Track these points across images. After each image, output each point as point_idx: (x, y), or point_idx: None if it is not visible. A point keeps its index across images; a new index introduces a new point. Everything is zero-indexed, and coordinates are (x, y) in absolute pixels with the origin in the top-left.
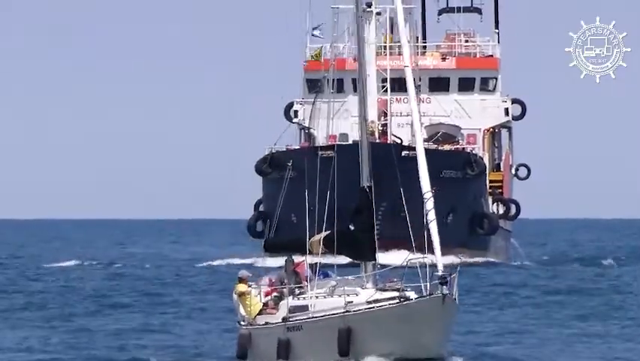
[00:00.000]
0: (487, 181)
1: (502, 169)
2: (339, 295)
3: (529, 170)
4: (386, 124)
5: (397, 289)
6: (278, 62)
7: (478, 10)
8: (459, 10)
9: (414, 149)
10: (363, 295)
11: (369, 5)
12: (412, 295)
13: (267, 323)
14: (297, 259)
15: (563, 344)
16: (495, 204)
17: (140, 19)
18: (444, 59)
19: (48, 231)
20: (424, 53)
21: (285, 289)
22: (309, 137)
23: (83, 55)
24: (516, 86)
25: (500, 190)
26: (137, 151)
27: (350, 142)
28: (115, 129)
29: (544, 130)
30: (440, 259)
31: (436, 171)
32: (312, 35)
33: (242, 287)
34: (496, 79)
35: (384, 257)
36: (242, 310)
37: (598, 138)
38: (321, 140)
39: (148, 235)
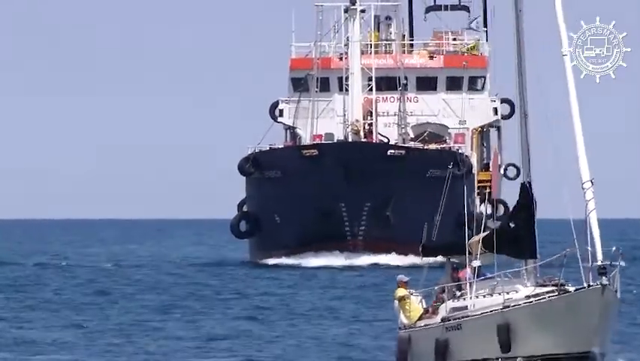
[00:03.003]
0: (475, 181)
1: (490, 169)
2: (499, 294)
3: (518, 170)
4: (372, 123)
5: (556, 284)
6: (273, 61)
7: (466, 8)
8: (446, 8)
9: (400, 148)
10: (523, 292)
11: (354, 3)
12: (572, 289)
13: (426, 325)
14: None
15: None
16: (483, 204)
17: (140, 19)
18: (431, 58)
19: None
20: (411, 52)
21: (445, 295)
22: (294, 136)
23: (83, 55)
24: (505, 85)
25: (489, 190)
26: (137, 151)
27: (335, 141)
28: (115, 129)
29: (535, 129)
30: (600, 250)
31: (423, 171)
32: (470, 28)
33: (401, 291)
34: (485, 78)
35: (371, 259)
36: (402, 315)
37: (596, 138)
38: (306, 139)
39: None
